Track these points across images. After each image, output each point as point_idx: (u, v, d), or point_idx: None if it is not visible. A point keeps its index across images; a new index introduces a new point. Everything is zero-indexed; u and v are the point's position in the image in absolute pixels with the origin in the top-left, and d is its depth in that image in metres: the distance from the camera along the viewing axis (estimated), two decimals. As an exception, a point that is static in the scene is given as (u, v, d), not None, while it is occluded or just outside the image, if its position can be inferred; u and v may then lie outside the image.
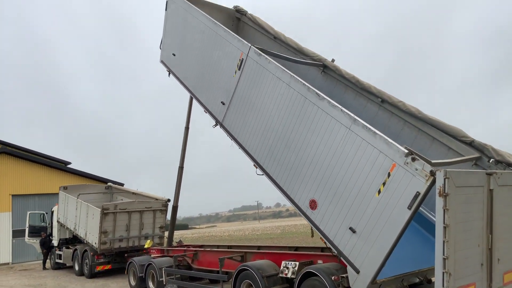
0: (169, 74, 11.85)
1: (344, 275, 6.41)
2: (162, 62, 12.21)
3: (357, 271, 6.12)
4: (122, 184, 27.48)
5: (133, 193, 17.97)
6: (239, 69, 8.79)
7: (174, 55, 11.56)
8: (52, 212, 19.96)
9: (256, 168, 8.34)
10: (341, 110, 6.52)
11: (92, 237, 15.40)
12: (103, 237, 14.59)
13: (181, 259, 11.38)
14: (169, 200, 15.89)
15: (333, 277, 6.52)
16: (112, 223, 14.83)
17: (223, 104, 9.30)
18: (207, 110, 10.04)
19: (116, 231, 14.92)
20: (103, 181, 27.32)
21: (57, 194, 19.28)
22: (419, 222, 7.89)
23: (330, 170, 6.66)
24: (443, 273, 4.96)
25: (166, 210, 16.16)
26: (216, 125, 9.67)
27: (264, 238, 32.30)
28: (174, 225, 13.94)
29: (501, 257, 5.87)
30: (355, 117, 6.33)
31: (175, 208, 13.61)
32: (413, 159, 5.44)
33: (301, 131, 7.24)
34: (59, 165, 28.50)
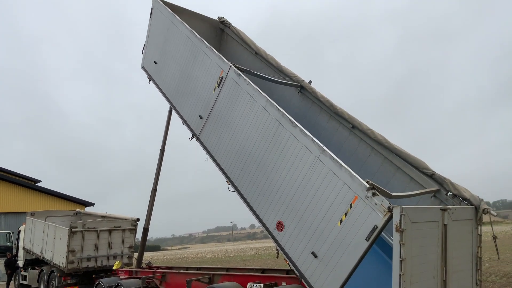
0: (149, 81, 11.94)
1: (304, 297, 6.74)
2: (143, 68, 12.29)
3: (316, 294, 6.46)
4: (92, 204, 27.34)
5: (102, 216, 17.66)
6: (218, 86, 9.01)
7: (155, 62, 11.65)
8: (19, 232, 19.37)
9: (229, 184, 8.58)
10: (312, 139, 6.82)
11: (59, 258, 15.08)
12: (70, 256, 14.34)
13: (149, 280, 11.57)
14: (138, 220, 15.92)
15: (293, 298, 6.85)
16: (80, 242, 14.64)
17: (201, 118, 9.49)
18: (184, 122, 10.22)
19: (84, 250, 14.73)
20: (73, 200, 27.14)
21: (25, 213, 18.77)
22: (378, 244, 8.31)
23: (298, 195, 6.96)
24: None
25: (135, 230, 16.06)
26: (192, 137, 9.86)
27: (237, 260, 31.96)
28: (144, 247, 14.01)
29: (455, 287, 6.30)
30: (324, 147, 6.64)
31: (145, 230, 13.71)
32: (374, 194, 5.78)
33: (273, 155, 7.52)
34: (28, 184, 28.08)
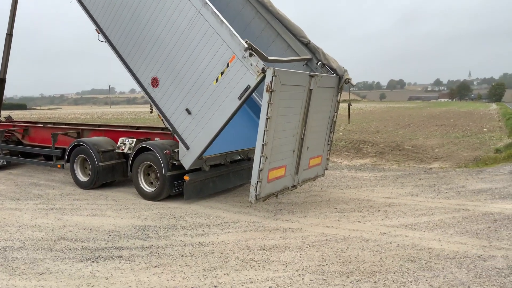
0: None
1: (175, 150, 7.00)
2: None
3: (187, 148, 6.75)
4: None
5: None
6: None
7: None
8: None
9: (99, 33, 7.73)
10: (194, -10, 6.29)
11: None
12: None
13: (9, 134, 10.62)
14: None
15: (165, 151, 7.07)
16: None
17: (64, -51, 7.88)
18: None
19: None
20: None
21: None
22: (248, 105, 8.80)
23: (175, 51, 6.66)
24: (261, 156, 5.81)
25: None
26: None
27: (113, 123, 31.08)
28: (1, 99, 12.33)
29: (310, 145, 7.12)
30: (207, 0, 6.23)
31: (2, 81, 11.95)
32: (250, 55, 5.82)
33: (150, 3, 6.83)
34: None
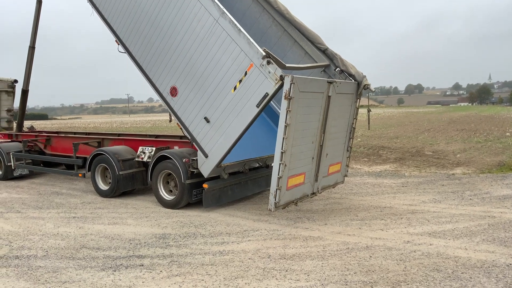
0: None
1: (194, 158, 7.02)
2: None
3: (206, 156, 6.77)
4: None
5: None
6: None
7: None
8: None
9: (118, 44, 7.86)
10: (212, 0, 6.36)
11: None
12: None
13: (32, 144, 10.94)
14: (16, 81, 14.13)
15: (184, 160, 7.11)
16: None
17: (85, -37, 8.09)
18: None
19: None
20: None
21: None
22: (266, 112, 8.79)
23: (194, 59, 6.72)
24: (280, 164, 5.77)
25: (13, 92, 14.34)
26: (75, -13, 8.49)
27: (132, 131, 31.59)
28: (24, 110, 12.73)
29: (329, 152, 7.05)
30: (224, 10, 6.28)
31: (25, 92, 12.34)
32: (268, 62, 5.82)
33: (169, 13, 6.93)
34: None
